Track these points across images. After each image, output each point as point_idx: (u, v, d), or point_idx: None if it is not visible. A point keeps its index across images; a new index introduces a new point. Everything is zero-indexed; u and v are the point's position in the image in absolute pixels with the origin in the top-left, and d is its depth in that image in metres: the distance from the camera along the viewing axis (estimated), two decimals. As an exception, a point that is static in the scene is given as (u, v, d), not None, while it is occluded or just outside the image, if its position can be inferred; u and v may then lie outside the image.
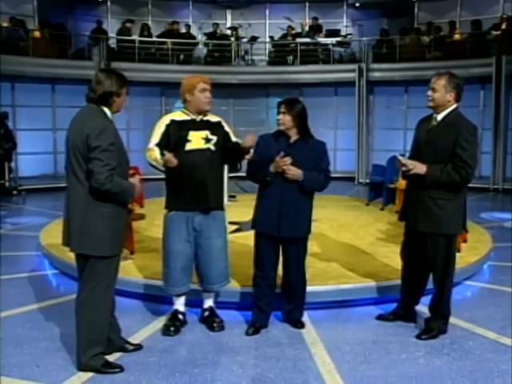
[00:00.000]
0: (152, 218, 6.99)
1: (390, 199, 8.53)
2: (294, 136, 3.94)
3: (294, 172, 3.82)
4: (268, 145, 3.95)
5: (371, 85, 14.56)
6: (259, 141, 4.02)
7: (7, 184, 11.66)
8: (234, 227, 6.56)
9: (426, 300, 4.21)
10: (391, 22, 16.13)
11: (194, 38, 15.88)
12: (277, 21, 16.64)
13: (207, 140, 3.93)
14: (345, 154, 14.83)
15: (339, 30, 15.99)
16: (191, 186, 3.87)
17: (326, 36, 15.54)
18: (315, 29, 15.79)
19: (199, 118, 3.98)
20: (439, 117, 3.90)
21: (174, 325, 4.05)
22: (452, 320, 4.12)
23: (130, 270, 5.02)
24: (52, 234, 6.24)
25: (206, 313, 4.20)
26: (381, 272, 4.98)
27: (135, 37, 15.02)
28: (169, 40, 14.99)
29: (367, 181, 12.11)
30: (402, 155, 4.08)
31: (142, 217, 7.32)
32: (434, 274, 4.02)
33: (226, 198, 7.91)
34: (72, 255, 3.54)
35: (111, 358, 3.52)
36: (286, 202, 3.88)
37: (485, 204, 10.93)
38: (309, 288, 4.25)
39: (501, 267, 5.96)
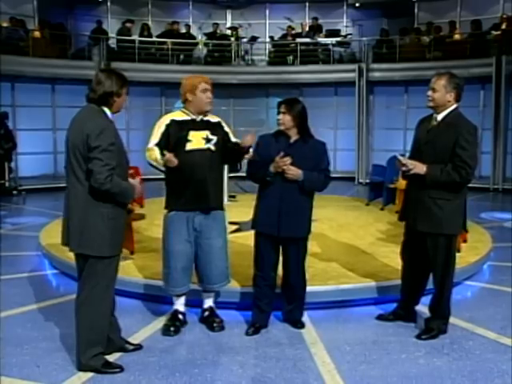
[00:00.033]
0: (152, 218, 6.99)
1: (389, 199, 8.53)
2: (294, 136, 3.94)
3: (294, 172, 3.82)
4: (268, 145, 3.95)
5: (371, 85, 14.56)
6: (259, 141, 4.02)
7: (7, 184, 11.66)
8: (234, 227, 6.56)
9: (426, 300, 4.21)
10: (391, 22, 16.13)
11: (194, 38, 15.88)
12: (277, 21, 16.64)
13: (207, 140, 3.93)
14: (345, 153, 14.83)
15: (339, 30, 15.99)
16: (192, 186, 3.87)
17: (326, 36, 15.54)
18: (315, 29, 15.79)
19: (199, 118, 3.98)
20: (439, 117, 3.90)
21: (174, 325, 4.05)
22: (452, 320, 4.12)
23: (130, 270, 5.02)
24: (52, 233, 6.24)
25: (206, 313, 4.20)
26: (381, 272, 4.98)
27: (135, 37, 15.02)
28: (169, 40, 14.99)
29: (367, 181, 12.11)
30: (402, 155, 4.08)
31: (142, 217, 7.32)
32: (434, 274, 4.02)
33: (226, 198, 7.96)
34: (72, 255, 3.55)
35: (111, 357, 3.52)
36: (286, 202, 3.88)
37: (485, 204, 10.93)
38: (309, 288, 4.25)
39: (501, 267, 5.96)
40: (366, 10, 16.67)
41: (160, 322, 4.23)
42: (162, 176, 4.00)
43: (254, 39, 15.75)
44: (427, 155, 3.87)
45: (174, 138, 3.88)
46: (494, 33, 13.42)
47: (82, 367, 3.39)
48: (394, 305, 4.37)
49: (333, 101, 15.46)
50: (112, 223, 3.30)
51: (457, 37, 14.25)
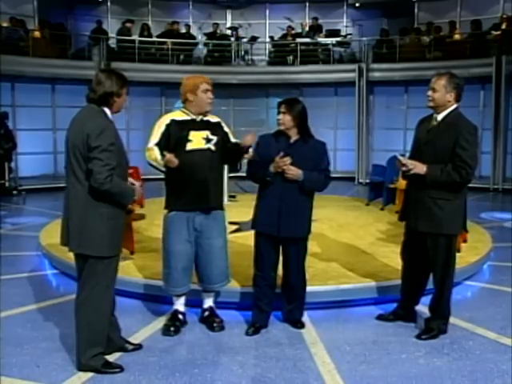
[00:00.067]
0: (152, 218, 6.99)
1: (389, 199, 8.53)
2: (294, 136, 3.94)
3: (294, 172, 3.82)
4: (268, 145, 3.95)
5: (371, 85, 14.56)
6: (259, 141, 4.02)
7: (7, 184, 11.66)
8: (234, 227, 6.56)
9: (426, 300, 4.21)
10: (391, 22, 16.14)
11: (194, 38, 15.88)
12: (277, 21, 16.64)
13: (208, 140, 3.93)
14: (345, 153, 14.83)
15: (339, 30, 16.00)
16: (192, 186, 3.87)
17: (326, 36, 15.54)
18: (315, 29, 15.79)
19: (199, 118, 3.98)
20: (439, 117, 3.90)
21: (174, 325, 4.05)
22: (452, 320, 4.12)
23: (130, 270, 5.02)
24: (52, 233, 6.23)
25: (206, 313, 4.20)
26: (381, 272, 4.98)
27: (135, 37, 15.03)
28: (169, 40, 14.99)
29: (367, 181, 12.11)
30: (402, 155, 4.08)
31: (142, 217, 7.32)
32: (434, 274, 4.02)
33: (226, 198, 7.96)
34: (72, 255, 3.54)
35: (111, 357, 3.52)
36: (286, 202, 3.88)
37: (485, 204, 10.93)
38: (309, 288, 4.25)
39: (501, 267, 5.96)
40: (366, 9, 16.67)
41: (160, 322, 4.23)
42: (162, 176, 4.00)
43: (254, 39, 15.75)
44: (427, 155, 3.87)
45: (175, 137, 3.88)
46: (494, 33, 13.42)
47: (81, 367, 3.39)
48: (394, 305, 4.37)
49: (333, 101, 15.46)
50: (111, 223, 3.30)
51: (457, 37, 14.26)
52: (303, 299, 4.20)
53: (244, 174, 4.09)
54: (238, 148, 3.99)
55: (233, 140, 4.10)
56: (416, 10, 15.95)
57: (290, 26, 15.67)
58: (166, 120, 3.95)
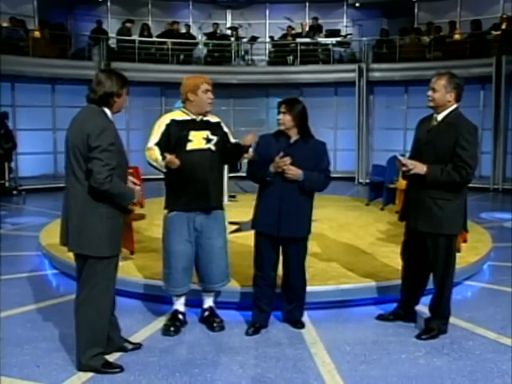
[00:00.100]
0: (152, 218, 6.99)
1: (390, 199, 8.53)
2: (294, 136, 3.94)
3: (294, 172, 3.82)
4: (268, 145, 3.95)
5: (371, 85, 14.56)
6: (259, 141, 4.03)
7: (7, 184, 11.66)
8: (234, 227, 6.56)
9: (426, 300, 4.21)
10: (391, 22, 16.14)
11: (194, 38, 15.88)
12: (277, 21, 16.64)
13: (208, 140, 3.93)
14: (345, 154, 14.83)
15: (339, 30, 16.00)
16: (192, 186, 3.87)
17: (326, 36, 15.55)
18: (315, 29, 15.79)
19: (199, 118, 3.98)
20: (439, 117, 3.90)
21: (174, 325, 4.05)
22: (452, 320, 4.12)
23: (130, 270, 5.02)
24: (52, 233, 6.23)
25: (206, 313, 4.20)
26: (381, 272, 4.98)
27: (135, 37, 15.03)
28: (169, 40, 14.99)
29: (367, 181, 12.11)
30: (402, 155, 4.08)
31: (142, 217, 7.32)
32: (434, 274, 4.02)
33: (226, 198, 7.96)
34: (72, 255, 3.54)
35: (111, 357, 3.52)
36: (286, 202, 3.88)
37: (485, 204, 10.93)
38: (309, 288, 4.25)
39: (501, 267, 5.96)
40: (366, 9, 16.67)
41: (160, 322, 4.23)
42: (162, 176, 4.00)
43: (254, 39, 15.75)
44: (427, 155, 3.87)
45: (175, 137, 3.88)
46: (494, 33, 13.42)
47: (81, 367, 3.39)
48: (394, 305, 4.37)
49: (333, 101, 15.47)
50: (111, 223, 3.30)
51: (457, 37, 14.26)
52: (303, 299, 4.20)
53: (244, 174, 4.09)
54: (237, 148, 4.00)
55: (232, 140, 4.10)
56: (416, 10, 15.95)
57: (289, 26, 15.67)
58: (166, 120, 3.95)
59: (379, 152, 14.13)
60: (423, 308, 4.26)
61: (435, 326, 4.00)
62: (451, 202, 3.84)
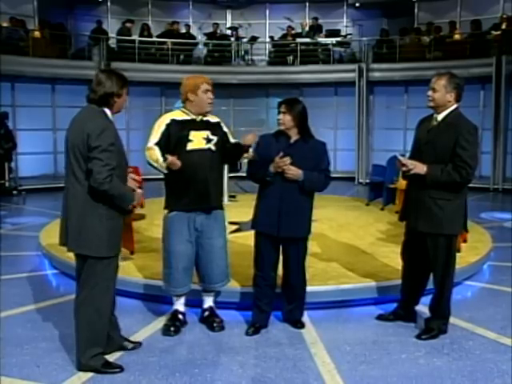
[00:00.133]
0: (152, 218, 7.00)
1: (390, 199, 8.53)
2: (294, 136, 3.94)
3: (294, 172, 3.82)
4: (268, 145, 3.95)
5: (371, 85, 14.56)
6: (259, 141, 4.02)
7: (7, 184, 11.66)
8: (234, 227, 6.56)
9: (426, 300, 4.21)
10: (391, 22, 16.14)
11: (194, 38, 15.87)
12: (277, 21, 16.64)
13: (208, 140, 3.93)
14: (345, 154, 14.83)
15: (339, 30, 16.00)
16: (193, 186, 3.87)
17: (326, 36, 15.55)
18: (315, 29, 15.79)
19: (199, 118, 3.98)
20: (439, 117, 3.90)
21: (174, 325, 4.05)
22: (452, 320, 4.12)
23: (130, 270, 5.02)
24: (52, 233, 6.22)
25: (206, 313, 4.20)
26: (381, 272, 4.98)
27: (135, 37, 15.02)
28: (169, 40, 14.99)
29: (367, 181, 12.11)
30: (402, 155, 4.08)
31: (142, 217, 7.32)
32: (434, 274, 4.02)
33: (226, 198, 7.96)
34: (72, 255, 3.55)
35: (111, 357, 3.52)
36: (286, 202, 3.88)
37: (485, 204, 10.93)
38: (309, 288, 4.25)
39: (501, 267, 5.96)
40: (366, 9, 16.68)
41: (160, 322, 4.23)
42: (162, 176, 3.99)
43: (254, 39, 15.75)
44: (427, 155, 3.87)
45: (175, 137, 3.88)
46: (494, 33, 13.42)
47: (81, 367, 3.39)
48: (394, 305, 4.37)
49: (333, 101, 15.46)
50: (110, 224, 3.30)
51: (457, 37, 14.25)
52: (303, 299, 4.20)
53: (244, 174, 4.09)
54: (237, 148, 4.00)
55: (232, 140, 4.11)
56: (416, 10, 15.95)
57: (290, 26, 15.67)
58: (166, 120, 3.95)
59: (379, 152, 14.13)
60: (423, 308, 4.26)
61: (435, 326, 4.00)
62: (451, 202, 3.84)
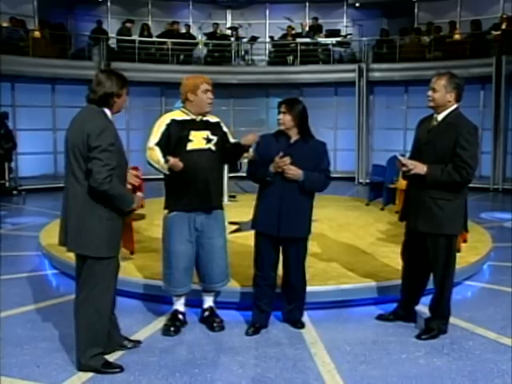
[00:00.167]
0: (152, 218, 6.99)
1: (390, 199, 8.53)
2: (294, 136, 3.94)
3: (294, 172, 3.82)
4: (268, 145, 3.95)
5: (371, 85, 14.56)
6: (259, 141, 4.02)
7: (7, 184, 11.67)
8: (234, 227, 6.56)
9: (426, 300, 4.21)
10: (391, 22, 16.14)
11: (193, 38, 15.87)
12: (277, 21, 16.64)
13: (208, 140, 3.93)
14: (345, 154, 14.83)
15: (339, 30, 16.00)
16: (193, 187, 3.87)
17: (326, 36, 15.54)
18: (315, 29, 15.79)
19: (199, 118, 3.98)
20: (440, 117, 3.90)
21: (174, 325, 4.05)
22: (452, 320, 4.12)
23: (130, 270, 5.02)
24: (52, 233, 6.21)
25: (206, 313, 4.20)
26: (381, 272, 4.98)
27: (135, 37, 15.02)
28: (169, 40, 14.98)
29: (367, 181, 12.11)
30: (403, 155, 4.08)
31: (142, 217, 7.31)
32: (434, 274, 4.02)
33: (226, 198, 7.95)
34: (72, 255, 3.55)
35: (111, 357, 3.52)
36: (286, 202, 3.88)
37: (485, 204, 10.93)
38: (309, 288, 4.25)
39: (501, 267, 5.96)
40: (366, 9, 16.67)
41: (160, 322, 4.23)
42: (162, 176, 3.99)
43: (254, 39, 15.74)
44: (427, 155, 3.87)
45: (175, 137, 3.88)
46: (494, 33, 13.42)
47: (81, 367, 3.39)
48: (394, 305, 4.37)
49: (333, 101, 15.46)
50: (110, 224, 3.30)
51: (457, 37, 14.25)
52: (303, 299, 4.20)
53: (244, 174, 4.09)
54: (237, 148, 4.00)
55: (232, 140, 4.10)
56: (416, 10, 15.94)
57: (290, 26, 15.66)
58: (166, 120, 3.95)
59: (379, 152, 14.13)
60: (423, 308, 4.26)
61: (435, 326, 4.00)
62: (451, 202, 3.84)
